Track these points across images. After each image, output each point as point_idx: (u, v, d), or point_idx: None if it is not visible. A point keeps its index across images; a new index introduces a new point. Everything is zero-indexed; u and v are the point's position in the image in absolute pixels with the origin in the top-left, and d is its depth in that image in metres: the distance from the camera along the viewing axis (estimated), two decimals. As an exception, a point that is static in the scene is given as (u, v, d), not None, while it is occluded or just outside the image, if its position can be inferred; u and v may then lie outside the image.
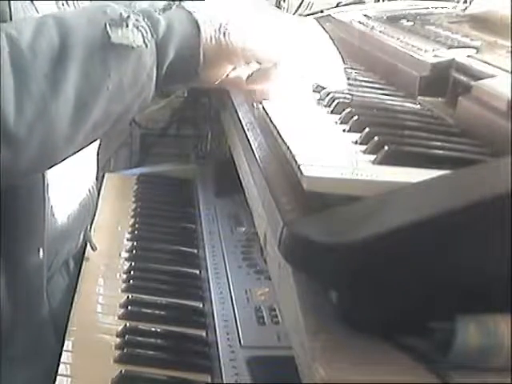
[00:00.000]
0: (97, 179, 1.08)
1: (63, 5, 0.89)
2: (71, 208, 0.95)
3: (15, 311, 0.83)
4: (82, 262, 1.06)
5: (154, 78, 0.72)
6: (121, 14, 0.70)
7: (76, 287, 0.99)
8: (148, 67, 0.71)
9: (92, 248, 1.09)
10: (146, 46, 0.70)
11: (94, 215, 1.11)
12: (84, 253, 1.07)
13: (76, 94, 0.67)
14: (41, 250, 0.85)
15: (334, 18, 1.19)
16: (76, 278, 1.03)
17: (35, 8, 0.82)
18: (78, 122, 0.68)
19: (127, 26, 0.69)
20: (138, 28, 0.70)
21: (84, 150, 0.84)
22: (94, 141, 0.76)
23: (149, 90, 0.73)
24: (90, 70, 0.68)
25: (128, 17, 0.69)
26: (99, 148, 1.05)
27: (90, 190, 1.02)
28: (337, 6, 1.31)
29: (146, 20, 0.71)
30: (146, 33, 0.70)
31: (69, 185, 0.94)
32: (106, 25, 0.68)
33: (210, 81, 0.78)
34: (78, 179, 0.98)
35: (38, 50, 0.66)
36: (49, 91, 0.66)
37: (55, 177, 0.87)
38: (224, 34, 0.73)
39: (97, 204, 1.11)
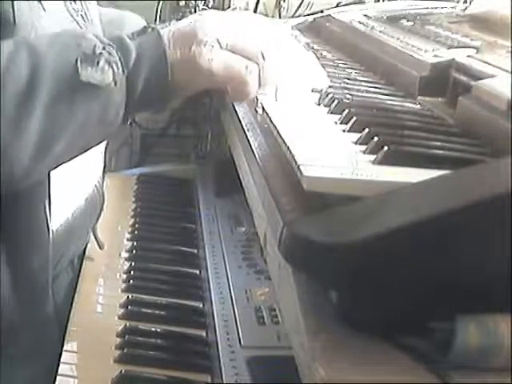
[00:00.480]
0: (103, 176, 1.08)
1: (71, 3, 0.89)
2: (76, 205, 0.95)
3: (19, 310, 0.83)
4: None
5: (122, 113, 0.72)
6: (94, 47, 0.69)
7: (76, 287, 0.99)
8: (116, 104, 0.70)
9: (99, 246, 1.08)
10: (116, 83, 0.69)
11: (101, 212, 1.11)
12: (85, 252, 1.07)
13: (39, 133, 0.67)
14: (45, 248, 0.85)
15: (333, 18, 1.19)
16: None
17: (42, 7, 0.82)
18: (39, 157, 0.68)
19: (98, 63, 0.68)
20: (109, 63, 0.69)
21: None
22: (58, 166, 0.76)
23: (115, 124, 0.73)
24: (56, 108, 0.67)
25: (100, 53, 0.69)
26: (107, 144, 1.05)
27: (96, 186, 1.02)
28: (337, 6, 1.31)
29: (118, 53, 0.70)
30: (118, 69, 0.69)
31: (73, 182, 0.94)
32: (77, 60, 0.68)
33: (186, 95, 0.78)
34: (83, 176, 0.98)
35: (6, 84, 0.65)
36: (12, 130, 0.66)
37: (58, 175, 0.87)
38: (195, 53, 0.72)
39: (103, 201, 1.11)
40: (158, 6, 1.43)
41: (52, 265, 0.87)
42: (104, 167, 1.06)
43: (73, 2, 0.90)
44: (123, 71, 0.70)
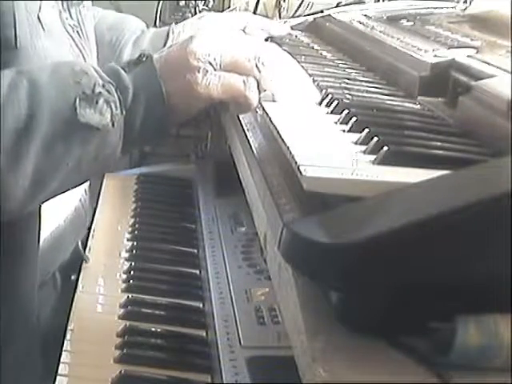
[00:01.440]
0: (90, 185, 1.08)
1: (65, 10, 0.89)
2: (58, 222, 0.96)
3: (5, 322, 0.82)
4: (70, 274, 1.07)
5: (118, 152, 0.72)
6: (94, 86, 0.69)
7: (68, 298, 1.00)
8: (113, 144, 0.71)
9: (85, 260, 1.09)
10: (113, 124, 0.69)
11: (91, 222, 1.12)
12: (79, 264, 1.07)
13: (35, 170, 0.67)
14: (33, 261, 0.85)
15: (334, 18, 1.19)
16: (62, 291, 1.04)
17: (41, 26, 0.81)
18: (33, 193, 0.69)
19: (97, 102, 0.69)
20: (108, 103, 0.69)
21: None
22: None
23: (112, 162, 0.73)
24: (53, 147, 0.67)
25: (100, 92, 0.69)
26: None
27: (80, 201, 1.02)
28: (337, 6, 1.31)
29: (117, 92, 0.70)
30: (116, 109, 0.69)
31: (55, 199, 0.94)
32: (75, 100, 0.68)
33: (186, 119, 0.78)
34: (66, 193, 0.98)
35: (5, 118, 0.66)
36: (8, 165, 0.66)
37: None
38: (190, 81, 0.72)
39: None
40: (157, 5, 1.43)
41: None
42: (89, 182, 1.06)
43: (69, 18, 0.89)
44: (121, 111, 0.70)
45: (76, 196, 1.02)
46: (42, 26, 0.81)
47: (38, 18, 0.81)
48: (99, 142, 0.69)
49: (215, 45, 0.75)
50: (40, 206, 0.84)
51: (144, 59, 0.75)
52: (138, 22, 1.19)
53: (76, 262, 1.09)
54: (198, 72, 0.72)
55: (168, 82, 0.72)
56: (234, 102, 0.75)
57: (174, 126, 0.76)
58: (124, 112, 0.70)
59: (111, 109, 0.69)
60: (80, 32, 0.92)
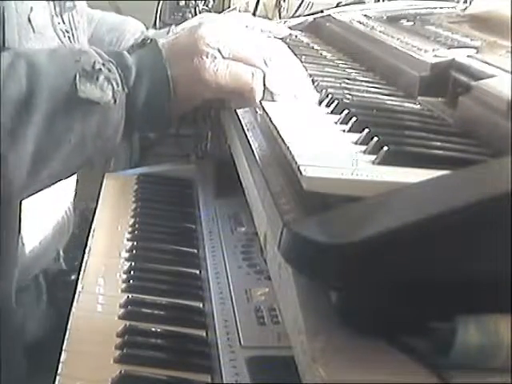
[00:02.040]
0: (75, 197, 1.08)
1: (57, 15, 0.88)
2: (43, 234, 0.96)
3: None
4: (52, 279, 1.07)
5: (121, 131, 0.71)
6: (94, 63, 0.68)
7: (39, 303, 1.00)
8: (115, 122, 0.69)
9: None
10: (115, 101, 0.68)
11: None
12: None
13: (36, 148, 0.66)
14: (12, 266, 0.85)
15: (334, 18, 1.19)
16: (47, 296, 1.04)
17: (32, 27, 0.81)
18: (36, 173, 0.68)
19: (97, 79, 0.68)
20: (108, 80, 0.68)
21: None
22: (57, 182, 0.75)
23: (114, 143, 0.72)
24: (53, 123, 0.67)
25: (100, 69, 0.68)
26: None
27: (66, 212, 1.03)
28: (337, 6, 1.31)
29: (118, 70, 0.69)
30: (117, 86, 0.69)
31: (42, 210, 0.94)
32: (75, 76, 0.67)
33: (191, 107, 0.77)
34: (53, 204, 0.98)
35: (3, 96, 0.65)
36: (9, 145, 0.65)
37: (29, 204, 0.88)
38: (198, 65, 0.71)
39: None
40: (158, 5, 1.42)
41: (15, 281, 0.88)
42: (75, 194, 1.06)
43: (61, 22, 0.89)
44: (123, 89, 0.69)
45: (63, 206, 1.02)
46: (32, 27, 0.81)
47: (29, 19, 0.80)
48: (101, 119, 0.68)
49: (225, 33, 0.73)
50: (20, 206, 0.83)
51: (149, 42, 0.73)
52: (137, 24, 1.19)
53: (60, 267, 1.10)
54: (207, 57, 0.71)
55: (174, 65, 0.71)
56: (238, 94, 0.74)
57: (177, 114, 0.74)
58: (126, 90, 0.69)
59: (112, 86, 0.68)
60: (71, 37, 0.91)
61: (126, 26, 1.16)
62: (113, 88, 0.68)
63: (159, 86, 0.71)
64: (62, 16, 0.89)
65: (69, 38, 0.91)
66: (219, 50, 0.72)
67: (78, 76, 0.67)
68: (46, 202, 0.93)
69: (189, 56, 0.72)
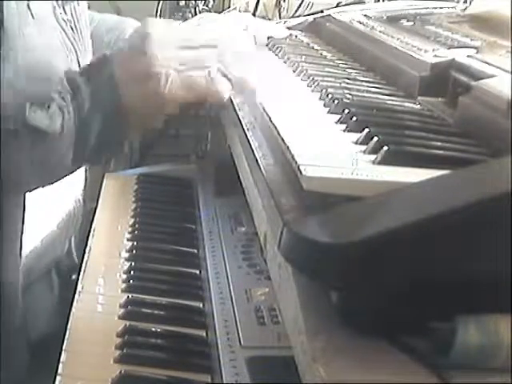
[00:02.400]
0: (85, 188, 1.08)
1: (59, 6, 0.89)
2: (55, 222, 0.96)
3: None
4: (65, 272, 1.07)
5: (68, 161, 0.72)
6: (49, 92, 0.70)
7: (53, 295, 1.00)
8: (61, 151, 0.71)
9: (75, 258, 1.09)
10: (63, 130, 0.69)
11: (82, 223, 1.12)
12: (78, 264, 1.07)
13: None
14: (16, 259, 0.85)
15: (334, 18, 1.19)
16: (58, 289, 1.04)
17: (31, 13, 0.81)
18: None
19: (49, 107, 0.69)
20: (60, 109, 0.69)
21: None
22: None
23: (61, 171, 0.74)
24: (6, 145, 0.69)
25: (53, 98, 0.69)
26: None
27: (76, 203, 1.03)
28: (337, 6, 1.31)
29: (73, 100, 0.70)
30: (69, 115, 0.70)
31: (52, 200, 0.94)
32: (28, 103, 0.68)
33: (157, 123, 0.78)
34: (63, 193, 0.98)
35: None
36: None
37: (36, 195, 0.88)
38: (152, 88, 0.72)
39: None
40: (158, 5, 1.42)
41: (24, 274, 0.88)
42: (85, 185, 1.06)
43: (63, 13, 0.90)
44: (74, 119, 0.69)
45: (71, 198, 1.02)
46: (31, 14, 0.81)
47: (28, 6, 0.81)
48: (46, 147, 0.69)
49: (174, 43, 0.74)
50: (24, 198, 0.84)
51: (105, 65, 0.74)
52: (136, 24, 1.20)
53: (73, 262, 1.10)
54: (159, 76, 0.72)
55: (128, 91, 0.72)
56: (202, 99, 0.74)
57: (137, 134, 0.75)
58: (77, 122, 0.69)
59: (63, 115, 0.69)
60: (74, 27, 0.92)
61: (126, 26, 1.17)
62: (63, 117, 0.69)
63: (112, 116, 0.72)
64: (64, 7, 0.89)
65: (71, 27, 0.91)
66: (170, 66, 0.72)
67: (29, 104, 0.68)
68: (53, 195, 0.94)
69: (142, 79, 0.73)
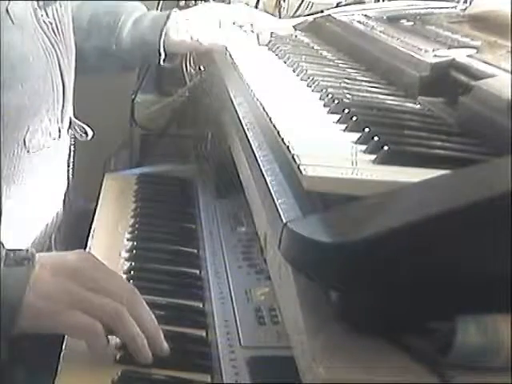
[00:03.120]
0: (67, 191, 1.08)
1: (40, 8, 0.89)
2: (35, 230, 0.96)
3: None
4: None
5: None
6: None
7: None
8: None
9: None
10: None
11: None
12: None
13: None
14: None
15: (334, 18, 1.19)
16: None
17: (10, 18, 0.81)
18: None
19: None
20: None
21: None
22: None
23: None
24: None
25: None
26: (73, 167, 1.06)
27: (58, 208, 1.03)
28: (337, 6, 1.31)
29: None
30: None
31: (32, 209, 0.95)
32: None
33: None
34: (44, 200, 0.98)
35: None
36: None
37: (15, 197, 0.89)
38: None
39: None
40: (158, 6, 1.42)
41: None
42: (67, 187, 1.06)
43: (44, 15, 0.89)
44: None
45: (55, 202, 1.02)
46: (10, 18, 0.81)
47: (7, 10, 0.81)
48: None
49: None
50: None
51: (26, 264, 0.75)
52: (136, 4, 1.20)
53: None
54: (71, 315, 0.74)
55: (30, 308, 0.73)
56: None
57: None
58: None
59: None
60: (56, 30, 0.92)
61: (125, 6, 1.17)
62: None
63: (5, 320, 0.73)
64: (45, 9, 0.89)
65: (53, 30, 0.91)
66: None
67: None
68: (36, 199, 0.94)
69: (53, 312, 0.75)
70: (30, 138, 0.89)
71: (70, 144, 1.03)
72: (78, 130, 1.02)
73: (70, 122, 1.00)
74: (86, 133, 1.02)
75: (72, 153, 1.05)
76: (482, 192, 0.44)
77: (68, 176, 1.06)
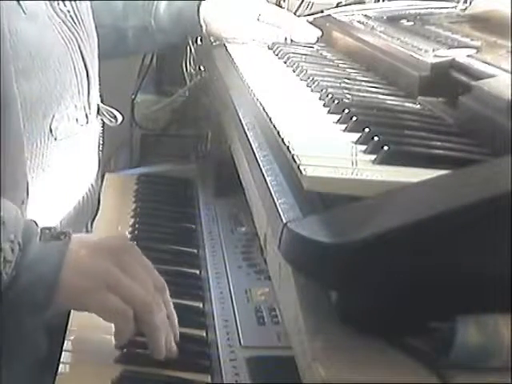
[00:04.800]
0: (98, 176, 1.08)
1: (58, 4, 0.89)
2: (66, 211, 0.96)
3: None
4: None
5: None
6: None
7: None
8: None
9: None
10: None
11: (97, 212, 1.12)
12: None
13: None
14: None
15: (334, 18, 1.19)
16: None
17: (22, 9, 0.82)
18: None
19: None
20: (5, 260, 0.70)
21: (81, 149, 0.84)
22: None
23: None
24: None
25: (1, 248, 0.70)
26: (103, 145, 1.05)
27: (89, 189, 1.02)
28: (337, 6, 1.31)
29: (17, 256, 0.71)
30: (6, 269, 0.70)
31: (64, 186, 0.94)
32: None
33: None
34: (75, 180, 0.98)
35: None
36: None
37: (45, 184, 0.88)
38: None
39: (99, 202, 1.11)
40: (158, 5, 1.42)
41: None
42: (99, 167, 1.06)
43: (61, 3, 0.90)
44: (6, 274, 0.70)
45: (86, 183, 1.02)
46: (22, 9, 0.81)
47: (18, 1, 0.81)
48: None
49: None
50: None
51: (62, 238, 0.75)
52: None
53: None
54: (105, 296, 0.74)
55: (66, 284, 0.73)
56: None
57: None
58: (6, 278, 0.70)
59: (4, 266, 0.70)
60: (75, 18, 0.92)
61: None
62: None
63: (40, 298, 0.73)
64: None
65: (71, 17, 0.92)
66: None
67: None
68: (64, 182, 0.94)
69: (86, 290, 0.74)
70: (56, 125, 0.89)
71: (100, 129, 1.03)
72: (106, 114, 1.02)
73: (98, 108, 1.00)
74: (115, 117, 1.02)
75: (102, 138, 1.04)
76: (482, 192, 0.44)
77: (99, 161, 1.06)
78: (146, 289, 0.77)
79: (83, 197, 1.00)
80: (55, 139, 0.89)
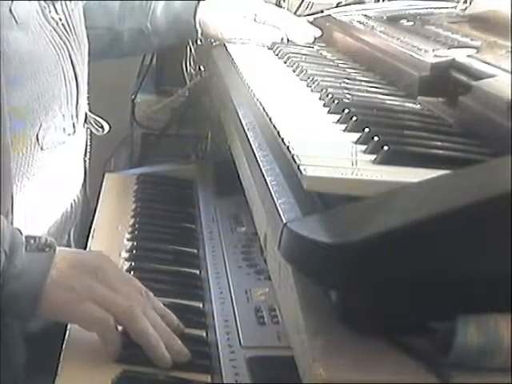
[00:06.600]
0: (85, 183, 1.08)
1: (48, 5, 0.89)
2: (51, 220, 0.96)
3: None
4: None
5: None
6: None
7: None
8: None
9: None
10: None
11: (90, 218, 1.12)
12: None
13: None
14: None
15: (334, 18, 1.19)
16: None
17: (14, 18, 0.82)
18: None
19: None
20: None
21: (67, 160, 0.86)
22: None
23: None
24: None
25: None
26: (90, 154, 1.06)
27: (74, 200, 1.03)
28: (337, 6, 1.31)
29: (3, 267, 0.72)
30: None
31: (47, 198, 0.95)
32: None
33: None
34: (60, 190, 0.98)
35: None
36: None
37: (30, 193, 0.88)
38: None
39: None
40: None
41: None
42: (85, 176, 1.06)
43: (53, 11, 0.89)
44: None
45: (69, 197, 1.02)
46: (14, 18, 0.81)
47: (10, 10, 0.81)
48: None
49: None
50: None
51: (47, 250, 0.76)
52: None
53: None
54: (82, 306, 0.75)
55: (50, 297, 0.74)
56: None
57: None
58: None
59: None
60: (66, 26, 0.92)
61: None
62: None
63: (25, 308, 0.74)
64: (54, 5, 0.89)
65: (63, 25, 0.91)
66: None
67: None
68: (50, 191, 0.94)
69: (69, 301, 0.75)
70: (43, 134, 0.89)
71: (87, 138, 1.03)
72: (93, 124, 1.02)
73: (86, 117, 1.00)
74: (102, 127, 1.02)
75: (88, 147, 1.04)
76: (482, 192, 0.44)
77: (85, 170, 1.06)
78: (130, 298, 0.78)
79: (69, 205, 1.00)
80: (41, 149, 0.89)
